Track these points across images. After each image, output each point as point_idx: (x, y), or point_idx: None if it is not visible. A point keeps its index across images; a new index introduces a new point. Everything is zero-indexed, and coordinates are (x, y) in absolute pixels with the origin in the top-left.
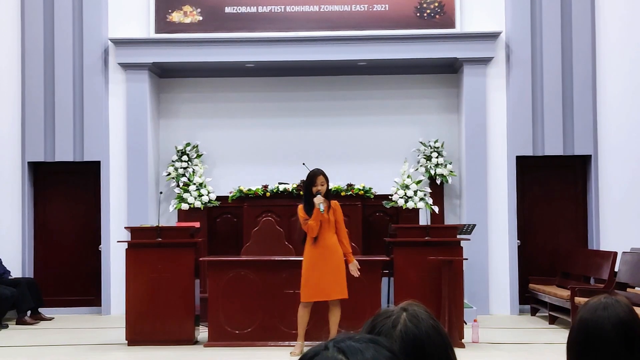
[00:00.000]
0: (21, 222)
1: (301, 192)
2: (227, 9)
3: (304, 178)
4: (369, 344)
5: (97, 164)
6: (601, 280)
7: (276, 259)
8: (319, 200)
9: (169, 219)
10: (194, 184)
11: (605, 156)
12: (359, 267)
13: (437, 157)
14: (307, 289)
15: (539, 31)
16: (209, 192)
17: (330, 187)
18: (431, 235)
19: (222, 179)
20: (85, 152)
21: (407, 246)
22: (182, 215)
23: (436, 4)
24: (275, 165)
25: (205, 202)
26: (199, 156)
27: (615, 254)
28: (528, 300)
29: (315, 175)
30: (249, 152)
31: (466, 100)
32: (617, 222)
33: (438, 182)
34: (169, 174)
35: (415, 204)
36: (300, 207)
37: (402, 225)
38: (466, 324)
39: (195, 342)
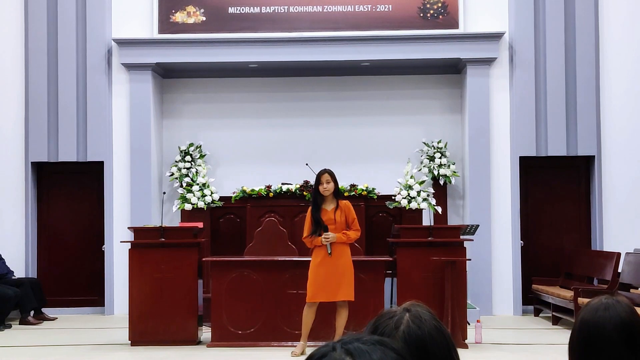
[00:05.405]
0: (24, 223)
1: (304, 193)
2: (231, 10)
3: (306, 178)
4: (377, 345)
5: (100, 164)
6: (604, 281)
7: (279, 259)
8: (326, 238)
9: (172, 219)
10: (197, 184)
11: (608, 157)
12: (327, 238)
13: (440, 158)
14: (312, 289)
15: (543, 32)
16: (212, 193)
17: (339, 187)
18: (434, 235)
19: (225, 179)
20: (89, 152)
21: (410, 247)
22: (185, 215)
23: (439, 5)
24: (279, 166)
25: (209, 203)
26: (202, 156)
27: (619, 254)
28: (531, 301)
29: (320, 174)
30: (252, 152)
31: (469, 101)
32: (621, 222)
33: (441, 182)
34: (172, 174)
35: (419, 204)
36: (309, 208)
37: (405, 225)
38: (469, 324)
39: (198, 343)
